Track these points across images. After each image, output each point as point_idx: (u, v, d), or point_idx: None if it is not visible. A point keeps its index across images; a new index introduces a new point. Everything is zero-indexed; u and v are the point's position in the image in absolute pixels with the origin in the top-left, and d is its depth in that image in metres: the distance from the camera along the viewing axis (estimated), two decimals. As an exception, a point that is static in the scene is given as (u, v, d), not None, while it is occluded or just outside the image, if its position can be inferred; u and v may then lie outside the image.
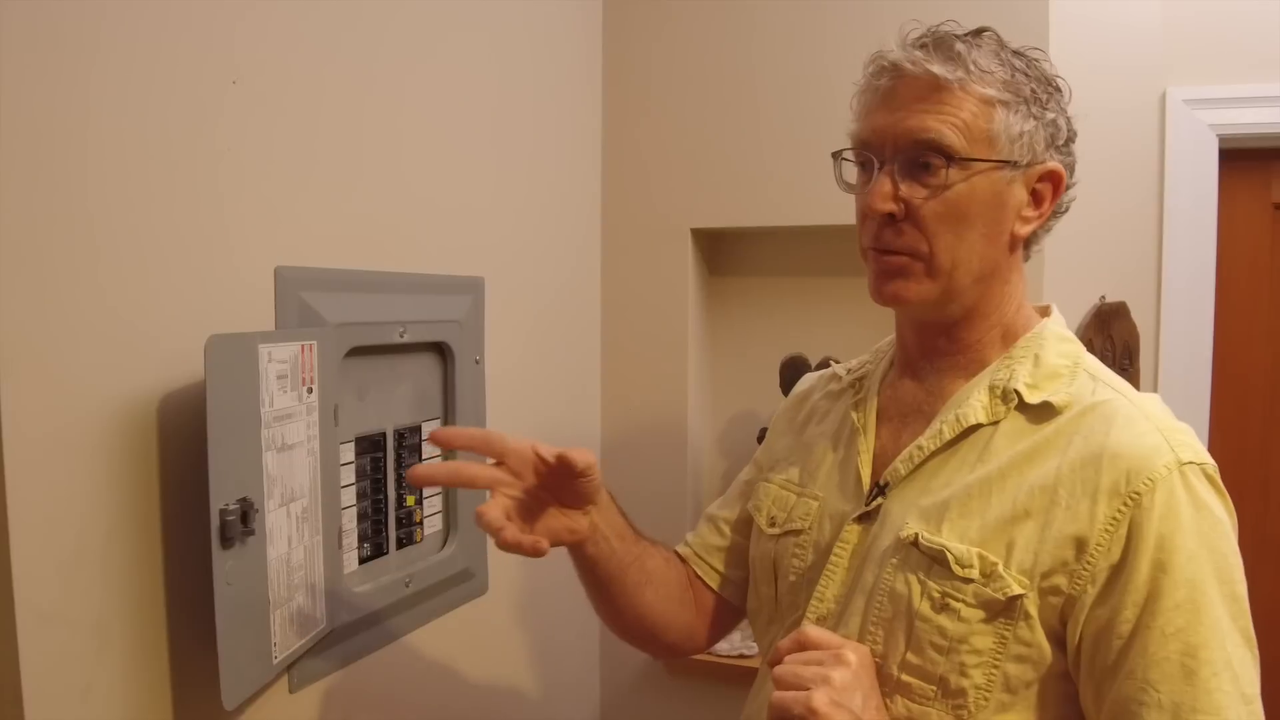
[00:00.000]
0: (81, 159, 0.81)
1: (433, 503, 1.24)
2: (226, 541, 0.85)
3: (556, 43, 1.55)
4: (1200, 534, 0.77)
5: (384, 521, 1.15)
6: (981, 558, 0.81)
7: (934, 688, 0.82)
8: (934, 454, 0.88)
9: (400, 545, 1.18)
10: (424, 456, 1.21)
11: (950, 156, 0.82)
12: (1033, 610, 0.80)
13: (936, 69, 0.82)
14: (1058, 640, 0.81)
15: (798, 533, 0.96)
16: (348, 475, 1.09)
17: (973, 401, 0.87)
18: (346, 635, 1.10)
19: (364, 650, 1.14)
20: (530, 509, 0.90)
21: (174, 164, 0.89)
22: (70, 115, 0.80)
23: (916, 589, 0.83)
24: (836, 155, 0.92)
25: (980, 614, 0.80)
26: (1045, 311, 0.94)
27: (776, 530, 0.99)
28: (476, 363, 1.30)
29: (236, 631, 0.87)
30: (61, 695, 0.80)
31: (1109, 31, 1.62)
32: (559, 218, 1.58)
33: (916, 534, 0.84)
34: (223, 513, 0.85)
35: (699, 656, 1.19)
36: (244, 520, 0.87)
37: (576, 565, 0.99)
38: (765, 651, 1.02)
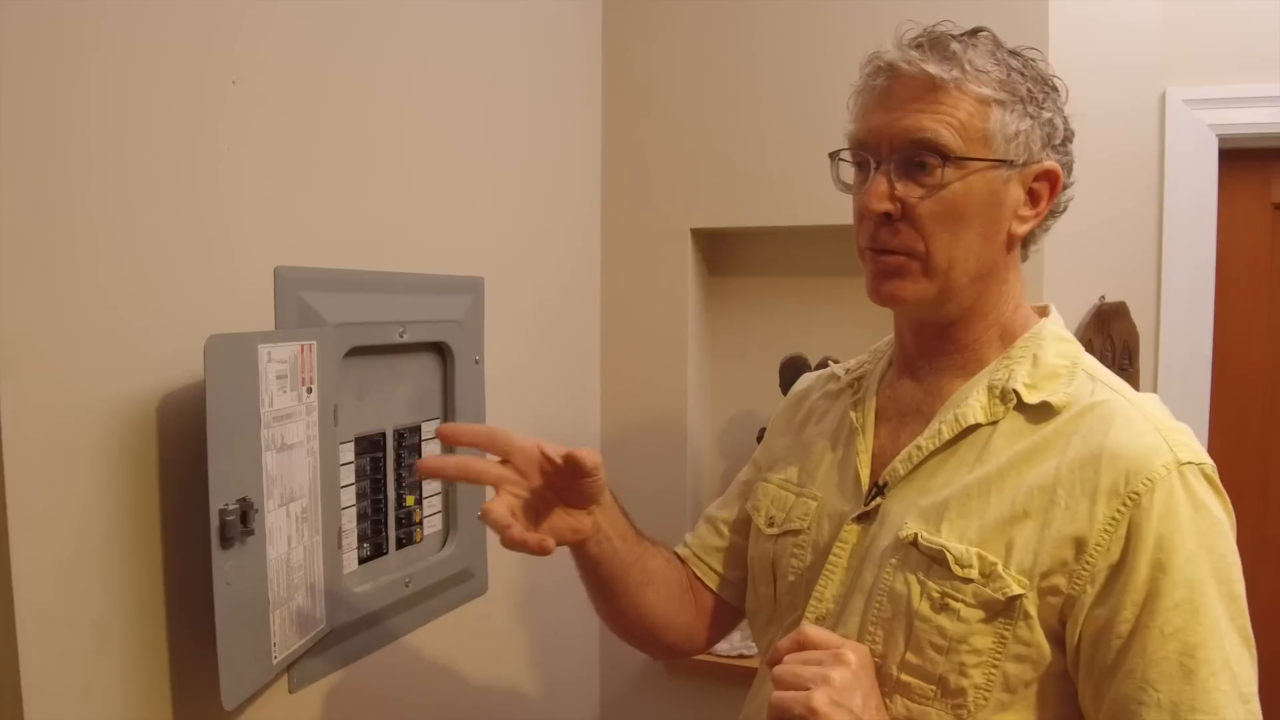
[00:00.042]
0: (81, 159, 0.81)
1: (432, 503, 1.24)
2: (226, 541, 0.85)
3: (556, 43, 1.55)
4: (1199, 534, 0.77)
5: (384, 521, 1.15)
6: (981, 558, 0.81)
7: (933, 687, 0.83)
8: (933, 454, 0.88)
9: (400, 545, 1.18)
10: (424, 457, 1.21)
11: (946, 156, 0.82)
12: (1032, 610, 0.80)
13: (932, 68, 0.82)
14: (1057, 640, 0.81)
15: (796, 532, 0.96)
16: (347, 475, 1.09)
17: (971, 401, 0.87)
18: (346, 635, 1.10)
19: (364, 650, 1.14)
20: (534, 508, 0.90)
21: (174, 164, 0.89)
22: (70, 115, 0.80)
23: (916, 589, 0.83)
24: (834, 156, 0.92)
25: (980, 614, 0.81)
26: (1043, 312, 0.95)
27: (775, 530, 0.99)
28: (476, 363, 1.30)
29: (236, 631, 0.87)
30: (61, 695, 0.80)
31: (1109, 31, 1.62)
32: (559, 218, 1.58)
33: (916, 534, 0.84)
34: (222, 513, 0.85)
35: (699, 656, 1.19)
36: (243, 520, 0.87)
37: (579, 565, 0.99)
38: (764, 651, 1.02)
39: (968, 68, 0.82)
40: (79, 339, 0.81)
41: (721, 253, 1.75)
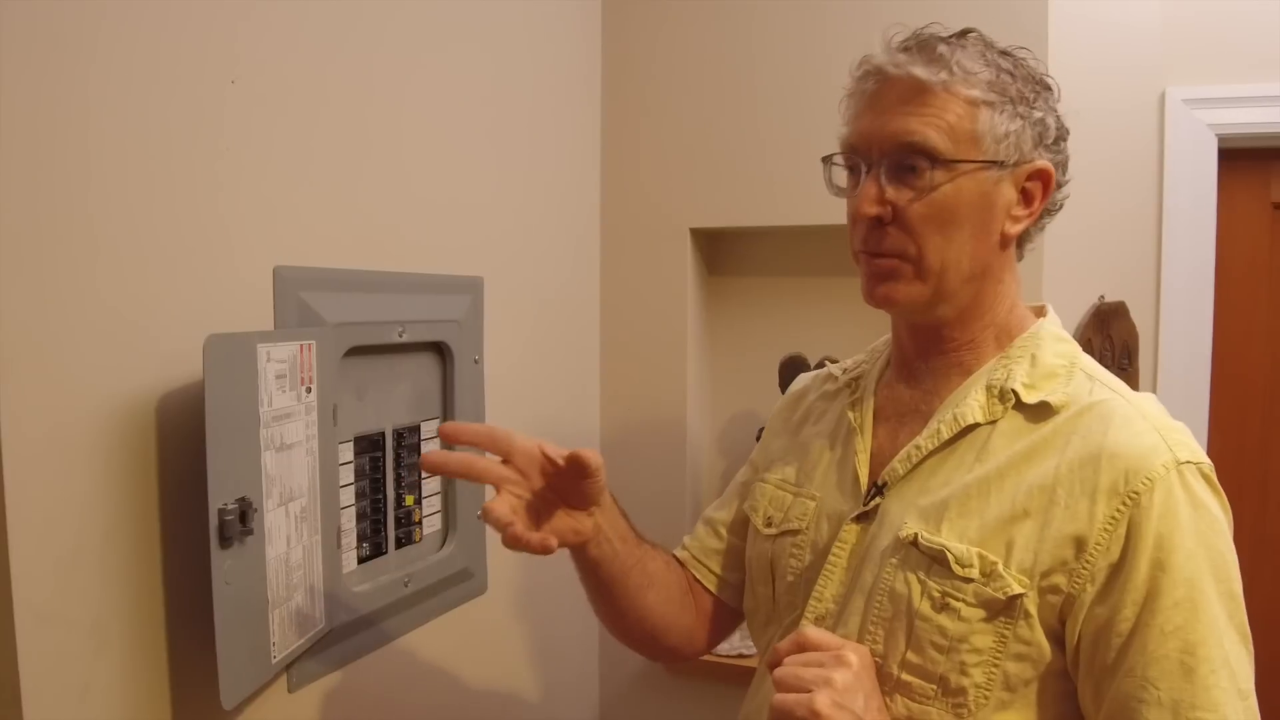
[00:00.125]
0: (80, 158, 0.81)
1: (432, 502, 1.24)
2: (225, 541, 0.85)
3: (555, 42, 1.55)
4: (1198, 533, 0.77)
5: (383, 521, 1.15)
6: (981, 557, 0.81)
7: (934, 686, 0.83)
8: (932, 453, 0.88)
9: (399, 545, 1.18)
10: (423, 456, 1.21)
11: (935, 158, 0.82)
12: (1032, 609, 0.80)
13: (919, 71, 0.82)
14: (1057, 639, 0.81)
15: (795, 533, 0.96)
16: (346, 475, 1.09)
17: (970, 401, 0.87)
18: (345, 635, 1.10)
19: (363, 650, 1.14)
20: (535, 509, 0.90)
21: (173, 164, 0.89)
22: (70, 115, 0.80)
23: (916, 588, 0.83)
24: (826, 160, 0.92)
25: (980, 613, 0.81)
26: (1040, 311, 0.95)
27: (773, 530, 0.99)
28: (475, 362, 1.30)
29: (235, 631, 0.87)
30: (60, 695, 0.80)
31: (1108, 31, 1.62)
32: (558, 217, 1.58)
33: (916, 534, 0.84)
34: (221, 512, 0.85)
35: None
36: (243, 520, 0.87)
37: (579, 567, 0.99)
38: (763, 652, 1.02)
39: (955, 70, 0.82)
40: (78, 338, 0.81)
41: (721, 252, 1.75)
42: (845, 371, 1.04)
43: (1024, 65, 0.87)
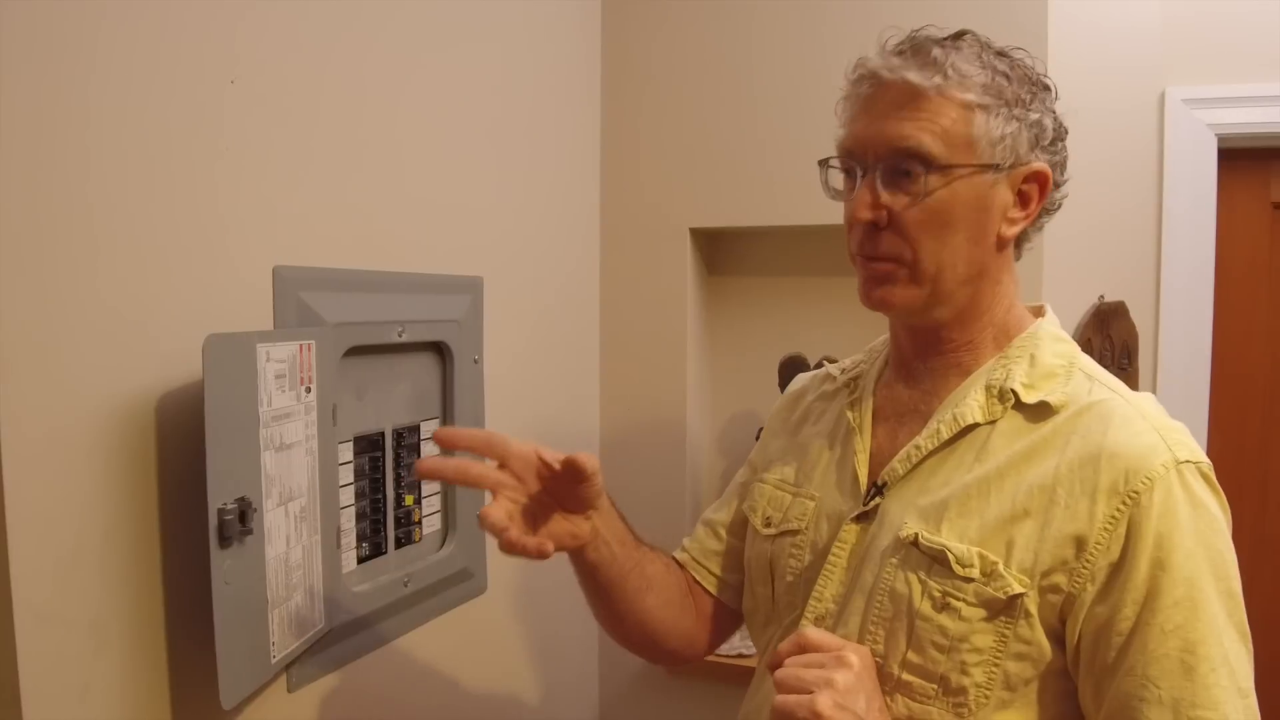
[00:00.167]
0: (80, 158, 0.81)
1: (431, 502, 1.24)
2: (225, 541, 0.85)
3: (555, 42, 1.55)
4: (1197, 532, 0.77)
5: (382, 521, 1.15)
6: (982, 557, 0.81)
7: (935, 686, 0.83)
8: (931, 453, 0.88)
9: (399, 545, 1.18)
10: (423, 457, 1.21)
11: (929, 163, 0.82)
12: (1033, 608, 0.80)
13: (912, 76, 0.82)
14: (1057, 638, 0.81)
15: (794, 533, 0.96)
16: (346, 475, 1.09)
17: (969, 401, 0.87)
18: (345, 635, 1.10)
19: (362, 650, 1.14)
20: (532, 513, 0.90)
21: (173, 163, 0.89)
22: (69, 115, 0.80)
23: (917, 588, 0.83)
24: (823, 163, 0.92)
25: (981, 613, 0.81)
26: (1039, 311, 0.95)
27: (772, 531, 0.99)
28: (475, 362, 1.30)
29: (235, 631, 0.87)
30: (59, 695, 0.80)
31: (1108, 32, 1.62)
32: (558, 217, 1.58)
33: (916, 534, 0.84)
34: (221, 512, 0.85)
35: (697, 656, 1.19)
36: (242, 520, 0.87)
37: (578, 571, 0.98)
38: (762, 652, 1.02)
39: (950, 73, 0.82)
40: (78, 338, 0.81)
41: (720, 252, 1.75)
42: (844, 371, 1.04)
43: (1020, 66, 0.87)
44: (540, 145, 1.51)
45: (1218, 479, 0.83)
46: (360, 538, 1.12)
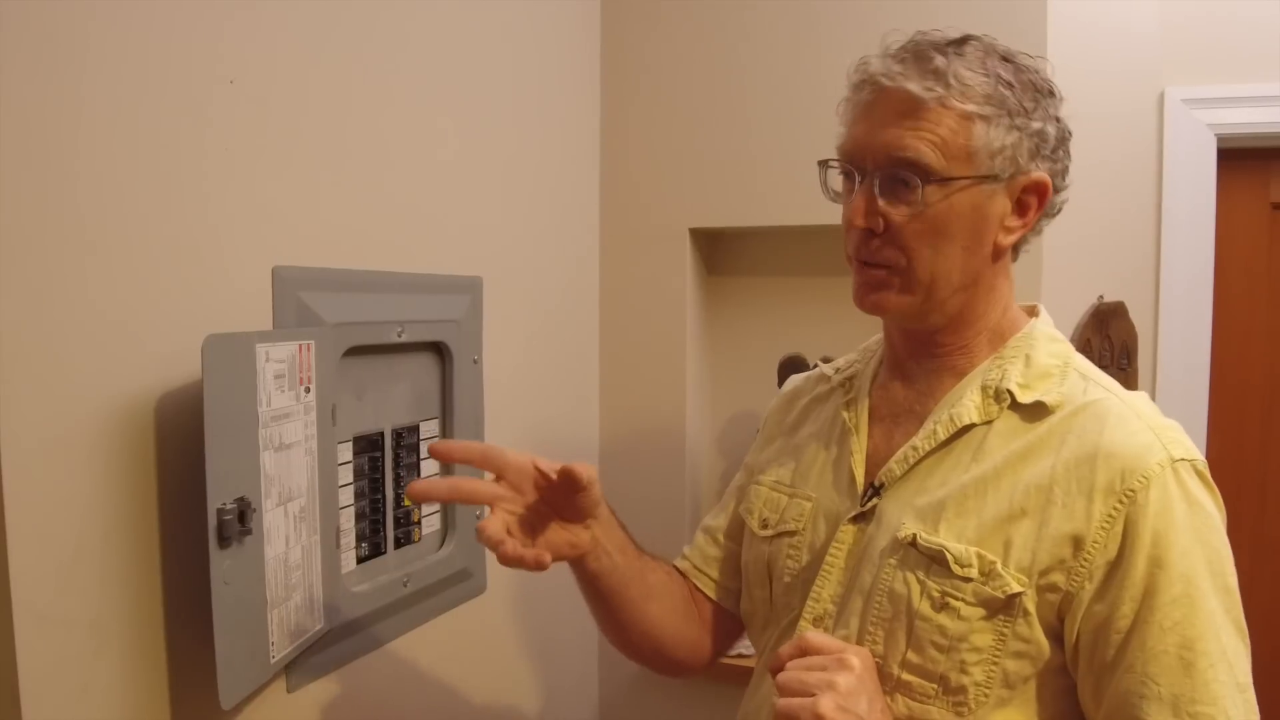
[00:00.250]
0: (79, 159, 0.81)
1: (430, 503, 1.24)
2: (224, 541, 0.85)
3: (555, 42, 1.55)
4: (1193, 529, 0.78)
5: (382, 521, 1.15)
6: (980, 557, 0.81)
7: (935, 685, 0.83)
8: (928, 454, 0.88)
9: (398, 545, 1.18)
10: (422, 456, 1.21)
11: (927, 175, 0.82)
12: (1031, 607, 0.80)
13: (913, 86, 0.81)
14: (1055, 636, 0.81)
15: (791, 534, 0.96)
16: (345, 475, 1.09)
17: (966, 402, 0.87)
18: (344, 635, 1.10)
19: (362, 650, 1.14)
20: (531, 523, 0.90)
21: (172, 164, 0.89)
22: (67, 115, 0.80)
23: (916, 588, 0.83)
24: (823, 164, 0.92)
25: (980, 612, 0.81)
26: (1032, 311, 0.95)
27: (769, 532, 0.99)
28: (475, 362, 1.30)
29: (234, 631, 0.87)
30: (59, 695, 0.80)
31: (1107, 32, 1.62)
32: (557, 217, 1.58)
33: (915, 534, 0.84)
34: (220, 512, 0.85)
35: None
36: (241, 520, 0.87)
37: (579, 581, 0.98)
38: (761, 654, 1.02)
39: (952, 83, 0.81)
40: (77, 339, 0.81)
41: (720, 252, 1.75)
42: (838, 371, 1.04)
43: (1025, 72, 0.85)
44: (540, 145, 1.51)
45: (1217, 478, 0.83)
46: (359, 538, 1.12)
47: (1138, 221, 1.77)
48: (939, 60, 0.82)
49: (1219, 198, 1.81)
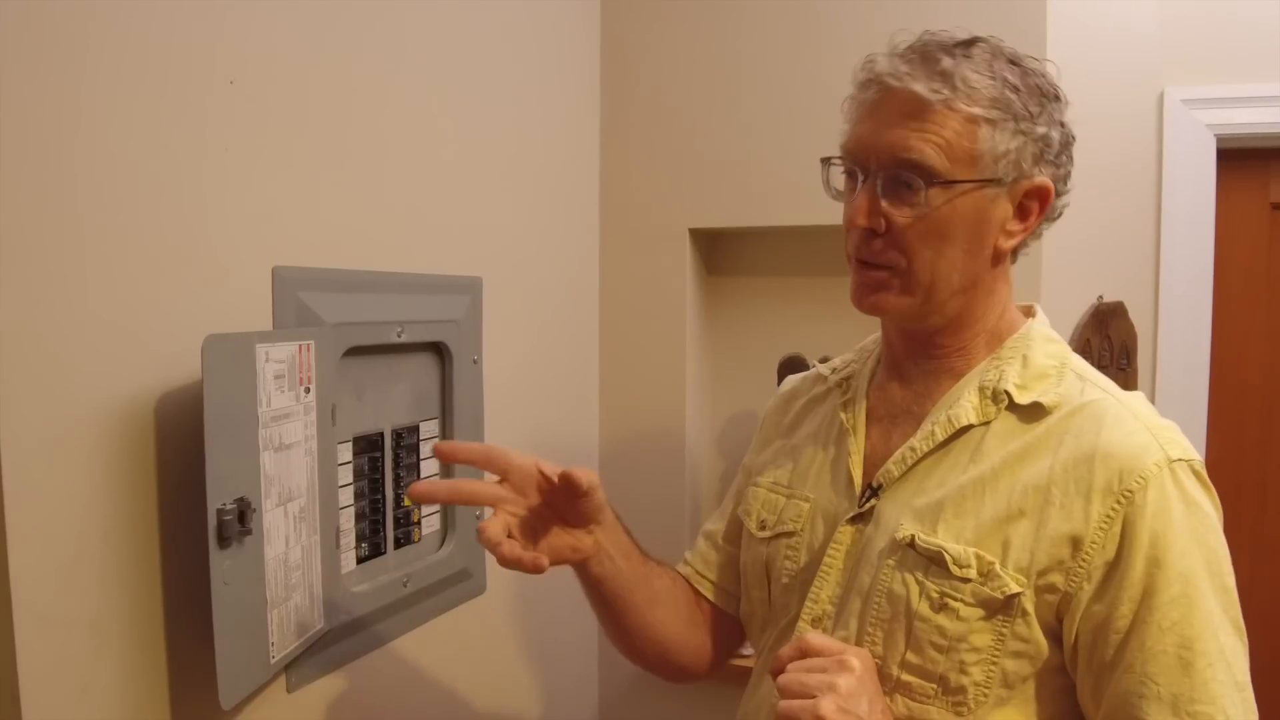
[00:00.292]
0: (78, 159, 0.81)
1: (432, 504, 1.24)
2: (224, 541, 0.85)
3: (554, 42, 1.55)
4: (1191, 529, 0.78)
5: (382, 521, 1.15)
6: (979, 557, 0.81)
7: (934, 686, 0.83)
8: (926, 455, 0.88)
9: (398, 545, 1.18)
10: (422, 457, 1.21)
11: (931, 177, 0.82)
12: (1029, 607, 0.81)
13: (919, 88, 0.81)
14: (1054, 635, 0.82)
15: (789, 534, 0.96)
16: (345, 475, 1.09)
17: (964, 403, 0.87)
18: (344, 635, 1.10)
19: (361, 650, 1.14)
20: (533, 526, 0.91)
21: (171, 164, 0.89)
22: (67, 115, 0.80)
23: (915, 589, 0.84)
24: (825, 161, 0.92)
25: (979, 612, 0.81)
26: (1029, 311, 0.95)
27: (767, 533, 0.99)
28: (474, 362, 1.30)
29: (234, 631, 0.87)
30: (59, 695, 0.80)
31: (1106, 33, 1.62)
32: (557, 218, 1.58)
33: (913, 535, 0.84)
34: (220, 512, 0.85)
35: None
36: (241, 520, 0.87)
37: (583, 585, 0.99)
38: (760, 655, 1.02)
39: (959, 85, 0.81)
40: (77, 339, 0.81)
41: (720, 252, 1.75)
42: (834, 371, 1.04)
43: (1031, 76, 0.85)
44: (540, 145, 1.51)
45: (1217, 478, 0.83)
46: (359, 538, 1.12)
47: (1137, 221, 1.77)
48: (946, 62, 0.82)
49: (1218, 198, 1.81)
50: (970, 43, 0.85)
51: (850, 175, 0.88)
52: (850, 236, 0.88)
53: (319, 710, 1.09)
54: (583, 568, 0.96)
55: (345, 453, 1.09)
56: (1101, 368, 1.53)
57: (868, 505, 0.90)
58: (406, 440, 1.19)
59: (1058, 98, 0.87)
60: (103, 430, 0.83)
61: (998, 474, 0.84)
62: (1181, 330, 1.82)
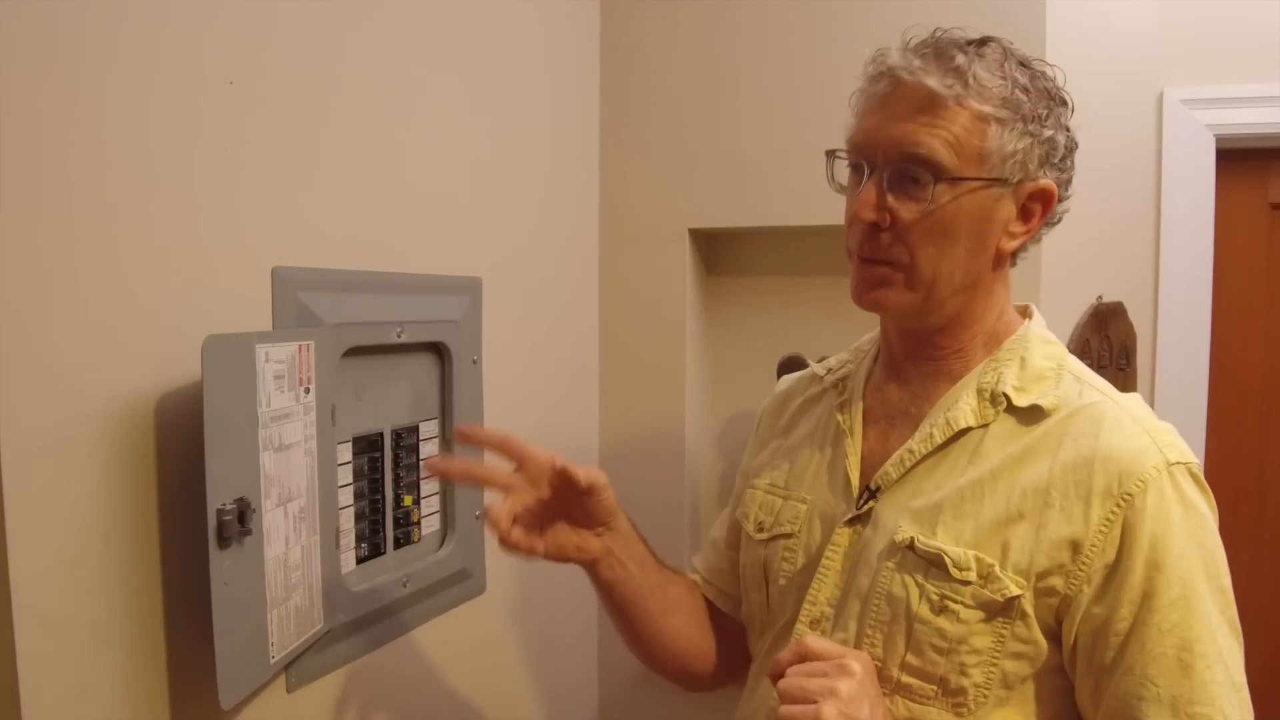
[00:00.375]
0: (78, 159, 0.81)
1: (430, 503, 1.24)
2: (224, 541, 0.85)
3: (554, 42, 1.55)
4: (1189, 532, 0.78)
5: (381, 521, 1.15)
6: (979, 560, 0.81)
7: (934, 687, 0.83)
8: (925, 458, 0.88)
9: (398, 545, 1.18)
10: (421, 457, 1.21)
11: (939, 173, 0.82)
12: (1029, 609, 0.81)
13: (932, 82, 0.81)
14: (1053, 636, 0.82)
15: (787, 536, 0.96)
16: (345, 475, 1.09)
17: (962, 405, 0.87)
18: (344, 635, 1.10)
19: (361, 650, 1.14)
20: (541, 519, 0.92)
21: (171, 164, 0.89)
22: (67, 115, 0.80)
23: (915, 591, 0.84)
24: (830, 154, 0.91)
25: (979, 615, 0.81)
26: (1025, 312, 0.95)
27: (765, 535, 0.99)
28: (474, 363, 1.30)
29: (234, 631, 0.87)
30: (59, 695, 0.80)
31: (1106, 33, 1.62)
32: (557, 218, 1.58)
33: (913, 537, 0.85)
34: (220, 513, 0.85)
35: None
36: (241, 520, 0.87)
37: (597, 590, 1.00)
38: (758, 657, 1.02)
39: (970, 82, 0.81)
40: (77, 339, 0.81)
41: (719, 252, 1.75)
42: (830, 371, 1.04)
43: (1041, 79, 0.86)
44: (539, 145, 1.51)
45: (1216, 478, 0.83)
46: (359, 538, 1.12)
47: (1137, 222, 1.77)
48: (960, 58, 0.82)
49: (1218, 198, 1.82)
50: (983, 42, 0.85)
51: (855, 169, 0.88)
52: (853, 231, 0.88)
53: (319, 710, 1.09)
54: (593, 571, 0.96)
55: (345, 453, 1.09)
56: (1101, 368, 1.54)
57: (866, 507, 0.90)
58: (406, 440, 1.19)
59: (1064, 102, 0.87)
60: (103, 430, 0.83)
61: (996, 476, 0.84)
62: (1181, 330, 1.82)
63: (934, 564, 0.83)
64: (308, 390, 0.98)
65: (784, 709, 0.76)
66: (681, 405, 1.68)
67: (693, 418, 1.70)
